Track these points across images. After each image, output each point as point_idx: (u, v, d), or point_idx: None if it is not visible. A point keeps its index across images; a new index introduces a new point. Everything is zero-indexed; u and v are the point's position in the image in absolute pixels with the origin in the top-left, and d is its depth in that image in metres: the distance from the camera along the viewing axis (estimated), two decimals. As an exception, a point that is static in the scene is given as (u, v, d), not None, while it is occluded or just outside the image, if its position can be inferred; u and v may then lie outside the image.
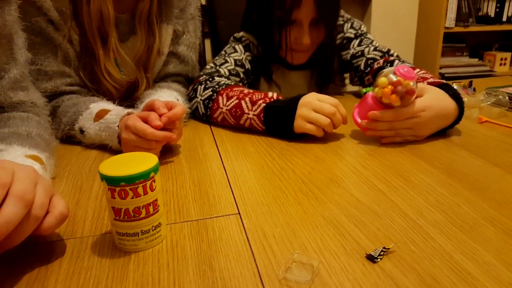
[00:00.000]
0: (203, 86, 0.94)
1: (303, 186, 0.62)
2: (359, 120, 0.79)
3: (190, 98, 0.97)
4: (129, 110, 0.78)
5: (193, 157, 0.76)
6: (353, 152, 0.76)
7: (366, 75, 1.06)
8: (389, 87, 0.73)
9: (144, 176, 0.45)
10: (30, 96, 0.70)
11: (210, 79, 0.96)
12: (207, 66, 1.05)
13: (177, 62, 1.02)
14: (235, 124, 0.89)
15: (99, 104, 0.82)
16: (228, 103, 0.88)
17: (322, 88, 1.15)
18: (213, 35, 1.61)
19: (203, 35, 1.59)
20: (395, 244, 0.47)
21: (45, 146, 0.65)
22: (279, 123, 0.82)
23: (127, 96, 0.97)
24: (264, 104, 0.83)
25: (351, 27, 1.12)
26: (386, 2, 2.26)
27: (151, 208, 0.47)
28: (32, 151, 0.60)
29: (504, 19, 2.86)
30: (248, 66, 1.09)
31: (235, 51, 1.09)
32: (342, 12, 1.14)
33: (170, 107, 0.72)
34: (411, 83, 0.72)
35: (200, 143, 0.83)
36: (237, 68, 1.05)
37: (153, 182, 0.47)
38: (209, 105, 0.92)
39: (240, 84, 1.03)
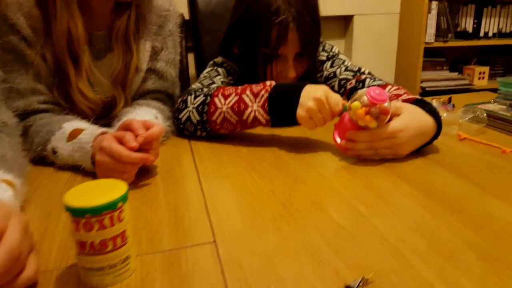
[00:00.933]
0: (193, 95, 0.90)
1: (283, 209, 0.60)
2: (338, 141, 0.78)
3: (179, 110, 0.92)
4: (104, 129, 0.75)
5: (170, 178, 0.73)
6: (334, 171, 0.74)
7: (341, 96, 1.04)
8: (363, 109, 0.72)
9: (112, 207, 0.42)
10: (1, 116, 0.67)
11: (201, 89, 0.92)
12: (193, 86, 1.01)
13: (156, 78, 0.99)
14: (237, 121, 0.85)
15: (72, 123, 0.78)
16: (227, 101, 0.85)
17: None
18: (197, 50, 1.59)
19: (186, 49, 1.58)
20: (374, 273, 0.44)
21: (19, 170, 0.63)
22: (283, 111, 0.81)
23: (105, 115, 0.93)
24: (267, 94, 0.81)
25: (323, 50, 1.12)
26: (367, 20, 2.27)
27: (118, 241, 0.44)
28: (7, 175, 0.58)
29: (481, 34, 2.91)
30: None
31: (218, 74, 1.07)
32: None
33: (147, 126, 0.70)
34: (384, 104, 0.71)
35: (179, 163, 0.80)
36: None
37: (121, 213, 0.44)
38: (205, 110, 0.87)
39: None
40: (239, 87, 0.87)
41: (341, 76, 1.06)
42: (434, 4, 2.65)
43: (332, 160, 0.78)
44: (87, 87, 0.88)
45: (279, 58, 0.97)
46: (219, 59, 1.11)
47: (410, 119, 0.75)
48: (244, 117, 0.83)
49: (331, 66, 1.09)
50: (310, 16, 0.95)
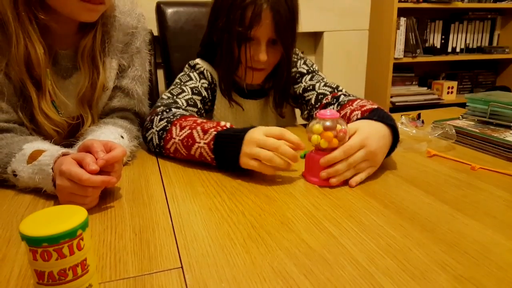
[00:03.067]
0: (159, 117, 0.90)
1: (253, 231, 0.59)
2: (316, 179, 0.76)
3: (146, 129, 0.92)
4: (65, 150, 0.73)
5: (136, 200, 0.71)
6: (305, 190, 0.74)
7: (316, 109, 1.08)
8: (328, 132, 0.74)
9: (70, 235, 0.41)
10: None
11: (167, 110, 0.92)
12: (164, 96, 1.03)
13: (122, 96, 0.97)
14: (186, 155, 0.85)
15: (33, 145, 0.76)
16: (181, 133, 0.85)
17: (278, 109, 1.15)
18: (166, 66, 1.59)
19: (156, 65, 1.57)
20: (345, 297, 0.44)
21: None
22: (227, 152, 0.79)
23: (72, 135, 0.91)
24: (215, 132, 0.81)
25: (304, 63, 1.16)
26: (337, 36, 2.32)
27: (79, 270, 0.42)
28: None
29: (449, 50, 3.03)
30: (204, 93, 1.08)
31: (191, 79, 1.09)
32: (297, 50, 1.18)
33: (109, 148, 0.68)
34: (339, 122, 0.74)
35: (146, 183, 0.78)
36: (194, 97, 1.04)
37: (80, 241, 0.42)
38: (163, 136, 0.88)
39: (197, 114, 1.02)
40: (198, 120, 0.87)
41: (319, 91, 1.09)
42: (403, 21, 2.75)
43: (302, 179, 0.79)
44: (51, 110, 0.86)
45: (253, 42, 1.00)
46: (195, 61, 1.13)
47: (367, 126, 0.78)
48: (192, 151, 0.84)
49: (311, 79, 1.13)
50: (286, 3, 0.98)
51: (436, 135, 0.95)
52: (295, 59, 1.17)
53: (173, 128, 0.87)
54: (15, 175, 0.73)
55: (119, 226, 0.62)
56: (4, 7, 0.78)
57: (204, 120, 0.87)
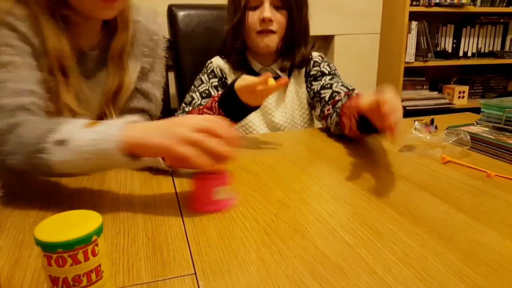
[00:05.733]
0: None
1: (266, 238, 0.59)
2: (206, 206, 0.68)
3: None
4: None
5: (148, 204, 0.71)
6: (318, 196, 0.73)
7: (327, 106, 1.10)
8: None
9: (85, 241, 0.41)
10: None
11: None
12: (181, 107, 1.16)
13: (141, 98, 1.00)
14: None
15: (84, 120, 0.66)
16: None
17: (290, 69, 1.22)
18: (177, 68, 1.59)
19: (167, 68, 1.58)
20: (362, 308, 0.43)
21: None
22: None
23: None
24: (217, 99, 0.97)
25: (328, 65, 1.24)
26: (348, 40, 2.32)
27: (93, 276, 0.42)
28: None
29: (461, 54, 3.00)
30: (214, 92, 1.17)
31: (201, 82, 1.20)
32: (322, 54, 1.28)
33: None
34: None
35: (158, 188, 0.78)
36: (204, 102, 1.12)
37: (95, 246, 0.42)
38: None
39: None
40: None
41: (335, 89, 1.13)
42: (414, 24, 2.73)
43: (315, 185, 0.78)
44: (74, 103, 0.86)
45: (259, 7, 1.12)
46: (211, 60, 1.25)
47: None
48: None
49: (330, 80, 1.18)
50: None
51: (451, 141, 0.94)
52: (319, 60, 1.24)
53: None
54: (62, 143, 0.61)
55: (132, 230, 0.61)
56: (32, 4, 0.80)
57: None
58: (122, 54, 0.92)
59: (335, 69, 1.24)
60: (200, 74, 1.23)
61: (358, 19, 2.30)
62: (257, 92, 0.92)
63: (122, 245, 0.57)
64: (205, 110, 1.01)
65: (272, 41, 1.16)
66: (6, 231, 0.62)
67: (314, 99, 1.20)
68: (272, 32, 1.14)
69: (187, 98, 1.16)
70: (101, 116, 0.94)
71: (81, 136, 0.60)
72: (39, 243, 0.40)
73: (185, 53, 1.59)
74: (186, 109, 1.14)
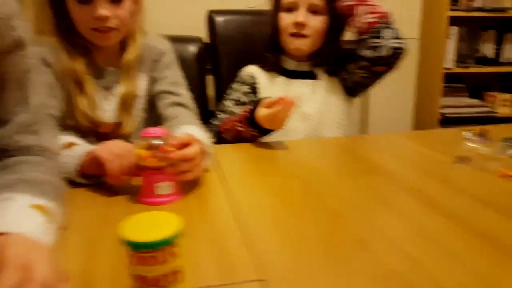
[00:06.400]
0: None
1: (328, 249, 0.60)
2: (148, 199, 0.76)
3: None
4: (95, 147, 0.82)
5: (203, 208, 0.74)
6: (374, 207, 0.74)
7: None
8: (146, 151, 0.74)
9: (168, 242, 0.44)
10: (40, 140, 0.68)
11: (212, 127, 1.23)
12: (216, 113, 1.29)
13: (168, 96, 1.12)
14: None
15: (69, 138, 0.89)
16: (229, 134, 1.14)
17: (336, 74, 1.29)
18: (215, 72, 1.63)
19: (204, 72, 1.62)
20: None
21: (54, 193, 0.63)
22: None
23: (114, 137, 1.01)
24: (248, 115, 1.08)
25: None
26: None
27: (174, 276, 0.45)
28: (38, 201, 0.59)
29: (503, 60, 2.94)
30: (245, 99, 1.28)
31: (233, 90, 1.32)
32: None
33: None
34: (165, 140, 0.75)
35: (211, 192, 0.81)
36: (236, 109, 1.25)
37: (176, 248, 0.45)
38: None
39: None
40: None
41: None
42: (454, 30, 2.69)
43: (370, 195, 0.79)
44: (88, 109, 1.03)
45: (295, 11, 1.18)
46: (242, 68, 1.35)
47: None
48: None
49: None
50: None
51: (508, 153, 0.93)
52: None
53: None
54: None
55: (193, 233, 0.64)
56: (53, 35, 1.01)
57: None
58: (132, 69, 1.09)
59: None
60: (232, 83, 1.34)
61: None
62: (276, 119, 1.04)
63: (187, 247, 0.59)
64: (235, 123, 1.14)
65: (303, 45, 1.21)
66: (74, 228, 0.66)
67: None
68: (304, 36, 1.19)
69: (220, 106, 1.30)
70: (118, 121, 1.10)
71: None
72: (126, 242, 0.43)
73: (223, 57, 1.63)
74: (219, 116, 1.27)
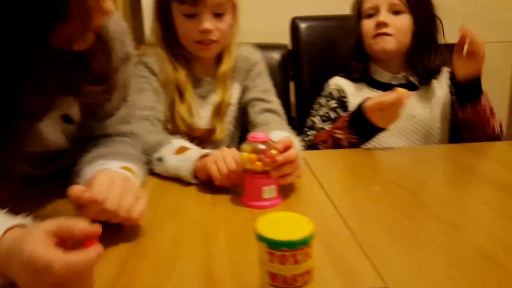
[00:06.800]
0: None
1: (451, 261, 0.58)
2: (254, 203, 0.77)
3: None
4: (207, 151, 0.88)
5: (310, 214, 0.74)
6: (491, 218, 0.70)
7: None
8: (252, 155, 0.75)
9: (305, 243, 0.44)
10: (131, 128, 0.89)
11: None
12: (304, 130, 1.28)
13: (258, 103, 1.16)
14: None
15: (180, 141, 0.96)
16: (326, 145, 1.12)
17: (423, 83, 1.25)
18: (297, 78, 1.64)
19: (288, 78, 1.63)
20: None
21: (135, 160, 0.81)
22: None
23: (206, 142, 1.12)
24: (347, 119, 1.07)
25: None
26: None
27: (308, 277, 0.46)
28: (126, 164, 0.75)
29: None
30: (333, 114, 1.25)
31: (321, 105, 1.29)
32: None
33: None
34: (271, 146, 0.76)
35: (312, 199, 0.81)
36: (324, 125, 1.24)
37: (311, 249, 0.45)
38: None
39: None
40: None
41: None
42: (554, 33, 2.50)
43: (485, 206, 0.75)
44: (187, 115, 1.13)
45: (375, 15, 1.19)
46: (328, 81, 1.33)
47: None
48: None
49: None
50: None
51: None
52: None
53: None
54: (160, 160, 0.92)
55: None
56: (159, 47, 1.12)
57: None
58: (225, 78, 1.16)
59: None
60: (318, 97, 1.31)
61: (490, 27, 2.16)
62: (387, 110, 1.01)
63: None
64: (335, 130, 1.12)
65: (388, 43, 1.19)
66: (189, 225, 0.69)
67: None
68: (388, 35, 1.18)
69: (308, 123, 1.27)
70: (212, 128, 1.17)
71: (170, 160, 0.90)
72: (264, 239, 0.44)
73: (306, 64, 1.63)
74: (309, 133, 1.25)
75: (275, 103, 1.19)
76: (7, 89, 0.56)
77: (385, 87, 1.23)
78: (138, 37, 2.49)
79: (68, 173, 0.78)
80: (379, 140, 1.17)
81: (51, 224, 0.48)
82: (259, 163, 0.75)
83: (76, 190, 0.59)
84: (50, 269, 0.44)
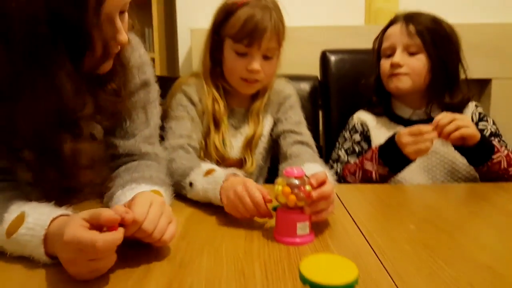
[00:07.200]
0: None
1: None
2: (287, 239, 0.77)
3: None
4: (236, 171, 0.93)
5: (340, 250, 0.74)
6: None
7: None
8: (286, 188, 0.76)
9: (350, 287, 0.45)
10: (155, 149, 0.98)
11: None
12: (329, 162, 1.34)
13: (290, 135, 1.20)
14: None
15: (209, 164, 1.00)
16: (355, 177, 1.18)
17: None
18: (325, 108, 1.66)
19: (317, 107, 1.66)
20: None
21: (162, 183, 0.90)
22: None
23: None
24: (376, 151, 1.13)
25: (494, 124, 1.28)
26: (509, 83, 2.18)
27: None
28: (155, 187, 0.84)
29: None
30: (358, 148, 1.31)
31: (345, 139, 1.36)
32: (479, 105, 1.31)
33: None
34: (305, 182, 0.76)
35: (347, 236, 0.81)
36: (350, 158, 1.30)
37: (356, 294, 0.46)
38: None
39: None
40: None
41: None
42: None
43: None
44: (220, 144, 1.18)
45: (391, 55, 1.25)
46: (352, 116, 1.39)
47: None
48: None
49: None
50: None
51: None
52: (483, 112, 1.28)
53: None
54: (191, 185, 0.95)
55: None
56: (201, 77, 1.21)
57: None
58: (259, 112, 1.22)
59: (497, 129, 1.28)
60: (343, 131, 1.37)
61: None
62: (420, 138, 1.05)
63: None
64: (365, 161, 1.17)
65: (402, 82, 1.24)
66: (224, 260, 0.70)
67: None
68: (403, 74, 1.23)
69: (334, 156, 1.33)
70: (242, 158, 1.22)
71: (199, 183, 0.94)
72: (310, 283, 0.45)
73: (335, 95, 1.66)
74: (334, 165, 1.30)
75: (307, 135, 1.22)
76: (56, 101, 0.72)
77: (406, 122, 1.27)
78: (173, 67, 2.58)
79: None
80: (404, 175, 1.19)
81: (85, 213, 0.62)
82: (293, 198, 0.76)
83: (119, 210, 0.63)
84: (94, 245, 0.57)
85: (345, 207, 0.95)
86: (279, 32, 1.13)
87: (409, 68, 1.22)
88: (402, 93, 1.26)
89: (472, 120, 1.26)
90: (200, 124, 1.19)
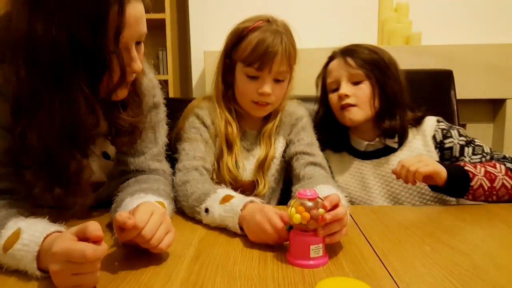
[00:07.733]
0: None
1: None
2: (300, 261, 0.77)
3: None
4: (253, 198, 0.93)
5: (357, 273, 0.74)
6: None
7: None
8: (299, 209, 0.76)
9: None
10: (162, 166, 1.09)
11: None
12: None
13: (304, 156, 1.21)
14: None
15: (225, 190, 1.01)
16: None
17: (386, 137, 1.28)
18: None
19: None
20: None
21: (167, 196, 0.98)
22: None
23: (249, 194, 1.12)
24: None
25: (460, 134, 1.24)
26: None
27: None
28: (159, 199, 0.92)
29: None
30: None
31: None
32: (441, 118, 1.30)
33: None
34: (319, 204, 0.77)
35: (363, 259, 0.81)
36: None
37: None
38: None
39: None
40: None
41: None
42: None
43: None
44: (233, 166, 1.21)
45: (338, 88, 1.25)
46: None
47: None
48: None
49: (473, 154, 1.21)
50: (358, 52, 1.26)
51: None
52: (446, 127, 1.26)
53: None
54: (207, 211, 0.97)
55: None
56: (213, 100, 1.23)
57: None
58: (271, 134, 1.24)
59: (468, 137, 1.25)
60: None
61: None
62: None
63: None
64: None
65: (354, 114, 1.24)
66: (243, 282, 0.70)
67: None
68: (352, 105, 1.23)
69: None
70: (255, 180, 1.24)
71: (216, 210, 0.95)
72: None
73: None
74: None
75: (319, 156, 1.23)
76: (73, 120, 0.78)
77: (364, 155, 1.30)
78: (187, 89, 2.63)
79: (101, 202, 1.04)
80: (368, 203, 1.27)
81: (73, 228, 0.66)
82: (307, 216, 0.76)
83: (122, 216, 0.70)
84: (84, 253, 0.61)
85: (359, 228, 0.95)
86: (290, 55, 1.15)
87: (356, 98, 1.23)
88: (357, 124, 1.27)
89: (435, 139, 1.25)
90: (213, 146, 1.21)
